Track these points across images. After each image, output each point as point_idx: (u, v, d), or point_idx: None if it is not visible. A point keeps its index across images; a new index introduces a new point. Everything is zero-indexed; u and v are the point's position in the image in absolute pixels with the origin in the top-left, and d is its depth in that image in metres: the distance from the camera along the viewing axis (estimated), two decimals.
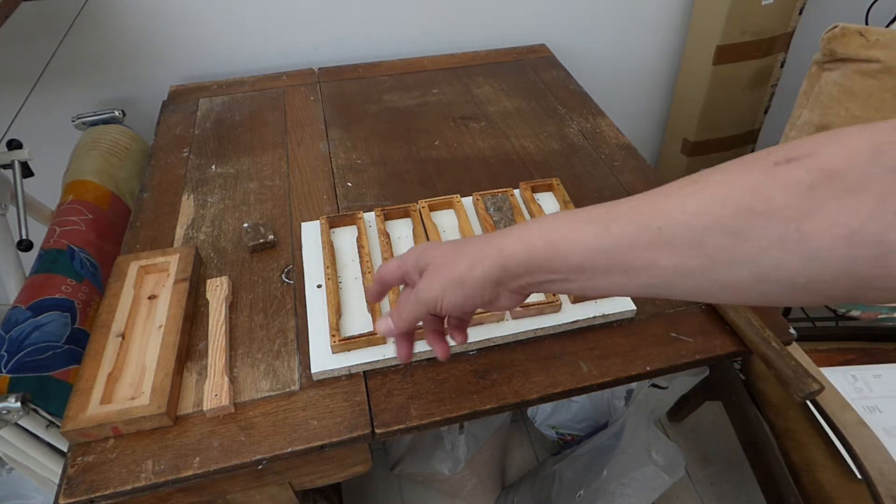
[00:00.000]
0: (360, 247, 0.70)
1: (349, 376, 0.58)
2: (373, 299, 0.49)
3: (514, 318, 0.62)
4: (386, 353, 0.59)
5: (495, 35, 1.23)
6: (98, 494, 0.49)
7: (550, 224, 0.35)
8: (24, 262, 0.83)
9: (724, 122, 1.42)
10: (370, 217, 0.75)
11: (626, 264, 0.32)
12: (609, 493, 0.91)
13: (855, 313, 1.06)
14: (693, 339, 0.61)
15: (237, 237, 0.75)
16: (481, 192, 0.77)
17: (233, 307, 0.66)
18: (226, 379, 0.56)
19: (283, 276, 0.70)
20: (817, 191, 0.25)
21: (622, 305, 0.63)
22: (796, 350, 0.84)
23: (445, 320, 0.48)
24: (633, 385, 1.04)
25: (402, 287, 0.49)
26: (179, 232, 0.76)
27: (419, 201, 0.76)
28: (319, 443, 0.53)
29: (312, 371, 0.57)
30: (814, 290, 0.26)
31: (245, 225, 0.75)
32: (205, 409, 0.54)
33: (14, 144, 0.83)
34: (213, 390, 0.55)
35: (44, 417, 0.60)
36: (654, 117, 1.55)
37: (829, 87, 0.85)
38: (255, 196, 0.82)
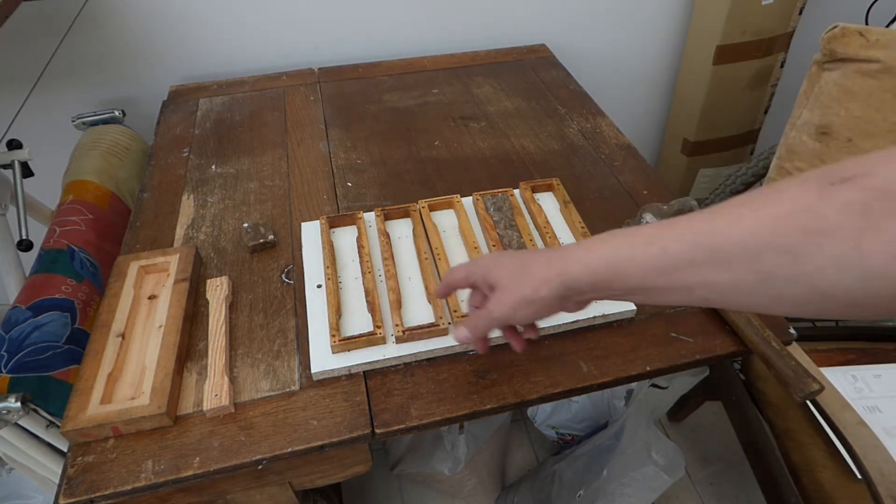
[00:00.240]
0: (360, 247, 0.70)
1: (349, 376, 0.58)
2: (438, 297, 0.55)
3: None
4: (386, 353, 0.59)
5: (495, 35, 1.23)
6: (98, 494, 0.49)
7: (610, 245, 0.38)
8: (24, 262, 0.83)
9: (724, 122, 1.42)
10: (370, 217, 0.75)
11: (685, 281, 0.33)
12: (609, 493, 0.91)
13: None
14: (693, 339, 0.61)
15: (237, 237, 0.75)
16: (481, 192, 0.77)
17: (233, 307, 0.66)
18: (226, 379, 0.56)
19: (283, 276, 0.70)
20: (873, 210, 0.25)
21: (622, 305, 0.63)
22: (796, 350, 0.84)
23: None
24: (633, 385, 1.04)
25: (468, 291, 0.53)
26: (179, 232, 0.76)
27: (419, 201, 0.76)
28: (319, 443, 0.53)
29: (312, 371, 0.57)
30: (871, 305, 0.27)
31: (245, 225, 0.75)
32: (205, 409, 0.54)
33: (14, 144, 0.83)
34: (213, 390, 0.55)
35: (44, 417, 0.60)
36: (654, 117, 1.55)
37: (830, 87, 0.85)
38: (255, 196, 0.82)
